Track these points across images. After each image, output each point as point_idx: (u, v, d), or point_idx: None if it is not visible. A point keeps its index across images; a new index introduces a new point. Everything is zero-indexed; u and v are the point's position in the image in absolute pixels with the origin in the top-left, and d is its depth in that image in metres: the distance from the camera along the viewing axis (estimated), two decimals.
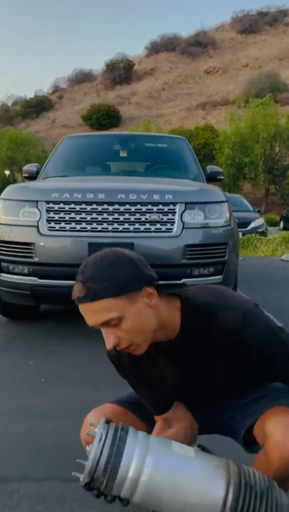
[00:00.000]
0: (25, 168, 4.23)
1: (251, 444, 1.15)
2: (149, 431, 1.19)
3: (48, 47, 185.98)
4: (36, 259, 2.85)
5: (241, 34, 67.21)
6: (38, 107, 61.33)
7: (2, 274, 2.95)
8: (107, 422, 0.93)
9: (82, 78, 68.87)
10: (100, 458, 0.86)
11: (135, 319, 0.98)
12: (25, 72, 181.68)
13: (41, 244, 2.84)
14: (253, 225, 10.26)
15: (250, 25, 67.41)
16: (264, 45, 63.05)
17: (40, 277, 2.85)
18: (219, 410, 1.23)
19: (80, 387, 2.28)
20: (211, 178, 4.04)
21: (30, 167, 4.18)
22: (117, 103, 54.10)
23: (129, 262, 1.00)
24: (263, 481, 0.91)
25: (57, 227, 2.86)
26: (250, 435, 1.14)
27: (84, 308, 0.98)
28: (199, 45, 65.51)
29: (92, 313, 0.97)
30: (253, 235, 9.06)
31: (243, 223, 9.05)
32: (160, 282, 1.05)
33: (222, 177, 4.23)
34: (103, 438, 0.88)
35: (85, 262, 1.00)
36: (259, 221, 10.80)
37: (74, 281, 0.99)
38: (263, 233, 10.27)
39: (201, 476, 0.90)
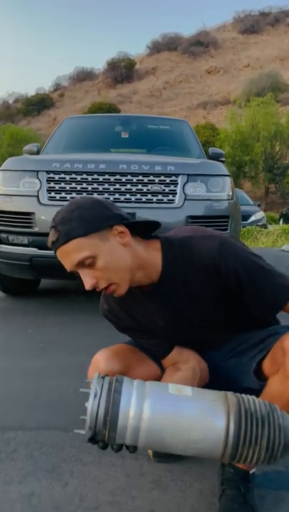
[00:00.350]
0: (25, 148, 4.18)
1: (262, 380, 1.13)
2: (159, 369, 1.24)
3: (49, 45, 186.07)
4: (36, 229, 2.81)
5: (243, 34, 67.29)
6: (39, 104, 61.32)
7: (1, 245, 2.92)
8: (102, 376, 0.94)
9: (84, 76, 68.92)
10: (98, 412, 0.88)
11: (108, 257, 1.00)
12: (26, 70, 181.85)
13: (41, 214, 2.80)
14: (253, 218, 10.25)
15: (251, 25, 67.51)
16: (265, 45, 63.11)
17: (40, 248, 2.81)
18: (222, 354, 1.22)
19: (79, 353, 2.23)
20: (213, 160, 4.00)
21: (30, 147, 4.13)
22: (118, 102, 54.05)
23: (97, 203, 1.04)
24: (264, 406, 0.90)
25: (57, 197, 2.82)
26: (259, 372, 1.13)
27: (60, 253, 1.02)
28: (201, 44, 65.60)
29: (67, 255, 1.00)
30: (254, 227, 9.03)
31: (244, 216, 8.97)
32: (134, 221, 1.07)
33: (224, 159, 4.19)
34: (98, 392, 0.89)
35: (57, 211, 1.04)
36: (259, 214, 10.80)
37: None
38: (264, 226, 10.26)
39: (200, 412, 0.91)
